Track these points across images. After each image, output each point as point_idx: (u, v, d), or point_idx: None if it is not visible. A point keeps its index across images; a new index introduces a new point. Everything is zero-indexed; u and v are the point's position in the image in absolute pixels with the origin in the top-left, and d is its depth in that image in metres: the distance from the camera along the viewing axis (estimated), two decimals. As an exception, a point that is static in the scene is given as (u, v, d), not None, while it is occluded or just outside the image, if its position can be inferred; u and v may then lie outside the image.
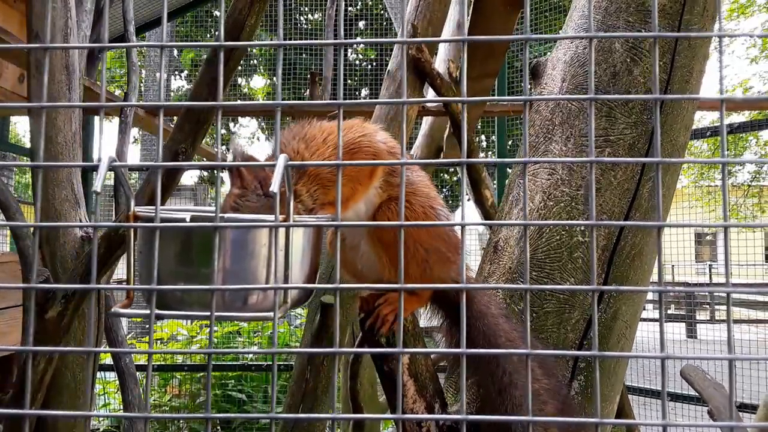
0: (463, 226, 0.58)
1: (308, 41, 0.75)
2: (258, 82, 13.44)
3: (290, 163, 0.61)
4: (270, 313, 0.77)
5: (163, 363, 5.02)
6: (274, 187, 0.58)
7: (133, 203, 0.75)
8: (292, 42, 0.64)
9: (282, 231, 0.75)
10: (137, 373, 3.03)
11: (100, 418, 4.62)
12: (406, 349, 1.19)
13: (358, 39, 12.29)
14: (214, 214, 0.64)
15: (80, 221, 2.57)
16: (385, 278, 1.20)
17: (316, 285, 1.09)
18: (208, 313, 0.62)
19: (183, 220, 0.79)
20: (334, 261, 1.31)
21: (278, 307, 0.68)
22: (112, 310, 0.71)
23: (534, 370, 1.26)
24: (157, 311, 0.69)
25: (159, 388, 5.11)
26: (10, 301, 3.13)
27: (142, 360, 5.02)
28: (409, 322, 1.31)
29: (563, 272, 1.63)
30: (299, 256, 0.88)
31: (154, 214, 0.66)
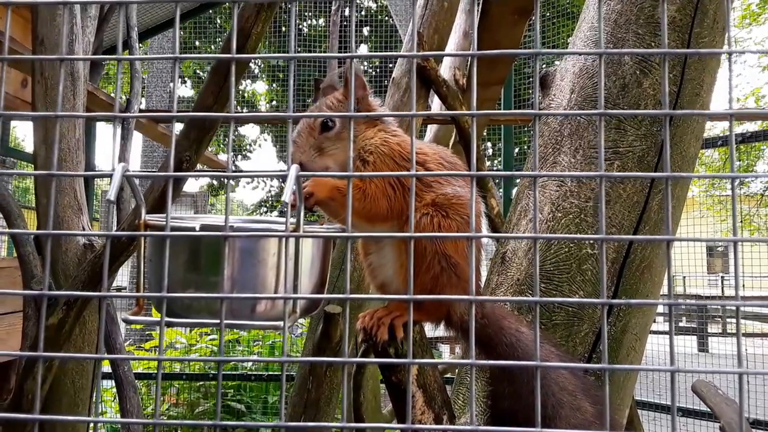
0: (471, 239, 0.59)
1: (319, 54, 0.76)
2: (260, 87, 13.60)
3: (301, 173, 0.62)
4: (279, 322, 0.77)
5: (157, 371, 4.97)
6: (286, 197, 0.59)
7: (144, 212, 0.76)
8: (303, 55, 0.65)
9: (291, 240, 0.76)
10: (136, 382, 3.00)
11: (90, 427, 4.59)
12: (415, 360, 1.18)
13: (366, 52, 12.37)
14: (223, 223, 0.64)
15: (83, 227, 2.59)
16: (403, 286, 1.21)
17: (325, 295, 1.09)
18: (218, 321, 0.63)
19: (193, 228, 0.80)
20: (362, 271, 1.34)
21: (287, 316, 0.69)
22: (123, 317, 0.72)
23: (575, 392, 1.26)
24: (167, 319, 0.69)
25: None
26: (8, 307, 3.09)
27: (140, 368, 5.00)
28: (416, 332, 1.30)
29: (572, 284, 1.62)
30: (308, 266, 0.89)
31: (164, 223, 0.66)
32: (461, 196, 1.23)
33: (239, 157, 14.19)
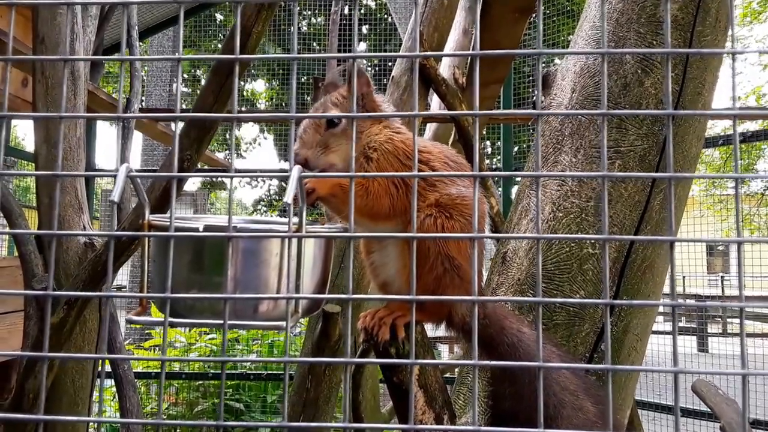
0: (474, 239, 0.59)
1: (320, 54, 0.76)
2: (260, 85, 13.57)
3: (304, 174, 0.62)
4: (282, 321, 0.77)
5: (160, 371, 4.96)
6: (288, 197, 0.59)
7: (147, 212, 0.76)
8: (305, 55, 0.65)
9: (294, 241, 0.76)
10: (135, 381, 2.99)
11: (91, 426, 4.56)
12: (418, 360, 1.18)
13: (365, 50, 12.36)
14: (226, 224, 0.64)
15: (84, 227, 2.59)
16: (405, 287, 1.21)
17: (327, 295, 1.10)
18: (221, 321, 0.63)
19: (196, 229, 0.80)
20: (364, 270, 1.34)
21: (290, 316, 0.69)
22: (127, 317, 0.72)
23: (577, 392, 1.26)
24: (171, 319, 0.69)
25: (156, 396, 5.09)
26: (9, 306, 3.08)
27: (139, 367, 5.00)
28: (418, 332, 1.30)
29: (573, 284, 1.62)
30: (310, 266, 0.89)
31: (168, 223, 0.66)
32: (465, 197, 1.22)
33: (234, 155, 14.13)
